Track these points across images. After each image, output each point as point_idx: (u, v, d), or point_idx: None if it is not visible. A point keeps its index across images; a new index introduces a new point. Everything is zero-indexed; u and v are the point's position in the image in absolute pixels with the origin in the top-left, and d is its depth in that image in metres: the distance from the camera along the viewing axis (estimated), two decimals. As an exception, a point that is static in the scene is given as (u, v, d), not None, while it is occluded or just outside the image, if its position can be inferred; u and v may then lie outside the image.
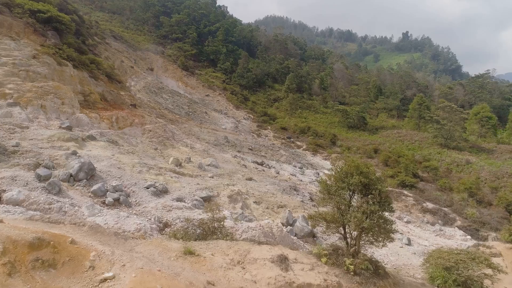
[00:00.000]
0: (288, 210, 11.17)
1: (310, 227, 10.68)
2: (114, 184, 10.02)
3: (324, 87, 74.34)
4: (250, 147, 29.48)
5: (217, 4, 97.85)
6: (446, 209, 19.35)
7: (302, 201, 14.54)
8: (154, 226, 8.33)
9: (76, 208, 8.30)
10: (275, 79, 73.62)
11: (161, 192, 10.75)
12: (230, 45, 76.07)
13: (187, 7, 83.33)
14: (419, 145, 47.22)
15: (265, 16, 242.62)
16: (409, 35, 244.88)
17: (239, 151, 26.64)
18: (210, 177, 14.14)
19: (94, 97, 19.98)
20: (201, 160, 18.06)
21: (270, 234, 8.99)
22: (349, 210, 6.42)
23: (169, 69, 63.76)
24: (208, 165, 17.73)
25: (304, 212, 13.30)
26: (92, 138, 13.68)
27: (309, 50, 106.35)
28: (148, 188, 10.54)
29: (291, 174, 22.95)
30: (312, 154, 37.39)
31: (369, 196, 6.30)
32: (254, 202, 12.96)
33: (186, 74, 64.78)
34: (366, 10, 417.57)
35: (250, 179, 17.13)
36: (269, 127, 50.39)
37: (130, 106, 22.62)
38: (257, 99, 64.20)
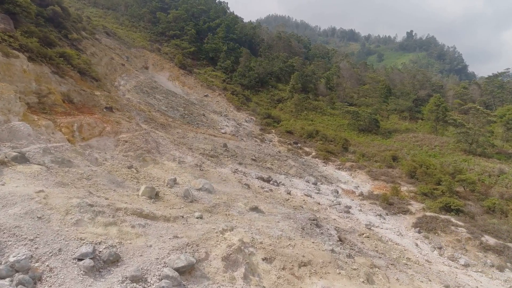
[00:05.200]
0: (324, 292, 6.64)
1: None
2: (15, 258, 5.51)
3: (330, 87, 69.80)
4: (254, 157, 24.98)
5: (217, 0, 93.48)
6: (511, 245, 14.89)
7: (332, 250, 9.99)
8: None
9: None
10: (279, 79, 69.10)
11: (107, 263, 6.24)
12: (231, 42, 71.57)
13: (185, 2, 78.93)
14: (440, 151, 42.59)
15: (267, 15, 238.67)
16: (413, 34, 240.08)
17: (240, 163, 22.15)
18: (197, 217, 9.62)
19: (54, 98, 15.53)
20: (190, 184, 13.55)
21: None
22: None
23: (165, 68, 59.44)
24: (199, 189, 13.23)
25: (339, 273, 8.77)
26: (21, 160, 9.21)
27: (313, 49, 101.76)
28: (81, 259, 6.03)
29: (305, 194, 18.43)
30: (324, 162, 32.83)
31: None
32: (263, 260, 8.45)
33: (184, 73, 60.40)
34: (367, 9, 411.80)
35: (256, 209, 12.66)
36: (273, 131, 45.91)
37: (104, 110, 18.15)
38: (259, 100, 59.71)
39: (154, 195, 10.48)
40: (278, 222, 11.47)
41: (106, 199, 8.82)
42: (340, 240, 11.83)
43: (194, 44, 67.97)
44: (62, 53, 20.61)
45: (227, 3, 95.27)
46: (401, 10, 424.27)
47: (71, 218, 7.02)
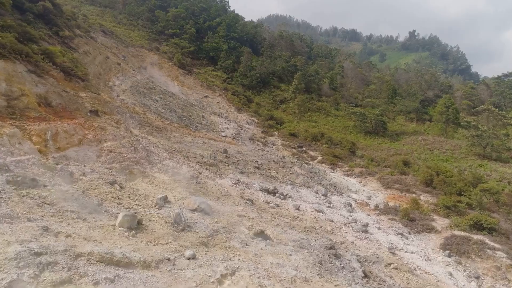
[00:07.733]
0: None
1: None
2: None
3: (334, 87, 67.59)
4: (257, 164, 22.84)
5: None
6: (560, 273, 12.78)
7: (360, 296, 7.80)
8: None
9: None
10: (281, 79, 66.93)
11: None
12: (232, 41, 69.35)
13: (185, 0, 76.76)
14: (452, 155, 40.39)
15: (268, 15, 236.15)
16: (415, 34, 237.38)
17: (242, 172, 20.02)
18: (189, 257, 7.47)
19: (28, 100, 13.43)
20: (183, 202, 11.42)
21: None
22: None
23: (164, 67, 57.32)
24: (194, 210, 11.11)
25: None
26: (-41, 183, 7.14)
27: (315, 48, 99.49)
28: None
29: (316, 210, 16.29)
30: (331, 168, 30.68)
31: None
32: (275, 320, 6.29)
33: (183, 72, 58.28)
34: (368, 9, 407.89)
35: (262, 234, 10.54)
36: (276, 133, 43.78)
37: (88, 114, 16.03)
38: (261, 101, 57.60)
39: (136, 225, 8.35)
40: (290, 255, 9.32)
41: (67, 236, 6.68)
42: (366, 275, 9.69)
43: (194, 43, 65.84)
44: (44, 50, 18.53)
45: (228, 1, 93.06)
46: (402, 10, 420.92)
47: (2, 279, 4.88)
